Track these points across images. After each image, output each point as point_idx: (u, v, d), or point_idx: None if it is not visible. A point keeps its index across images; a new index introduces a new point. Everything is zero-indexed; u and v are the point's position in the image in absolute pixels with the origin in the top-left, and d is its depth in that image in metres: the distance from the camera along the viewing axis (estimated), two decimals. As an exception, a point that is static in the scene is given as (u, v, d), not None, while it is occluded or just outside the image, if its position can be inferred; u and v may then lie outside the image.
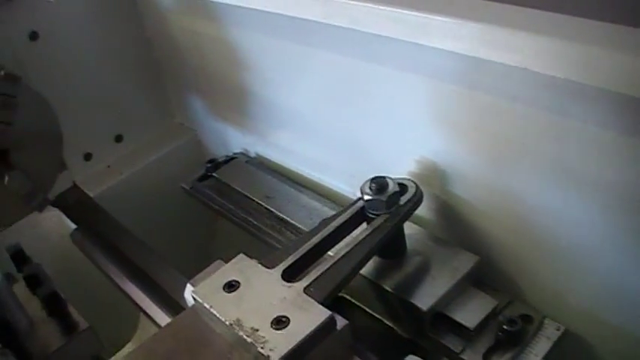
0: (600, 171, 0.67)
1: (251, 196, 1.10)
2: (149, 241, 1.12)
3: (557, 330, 0.79)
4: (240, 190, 1.12)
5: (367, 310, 0.86)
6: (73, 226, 1.20)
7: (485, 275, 0.84)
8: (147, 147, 1.36)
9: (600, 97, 0.60)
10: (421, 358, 0.83)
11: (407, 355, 0.83)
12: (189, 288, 0.86)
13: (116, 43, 1.25)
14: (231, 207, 1.11)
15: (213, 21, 1.07)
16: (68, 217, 1.22)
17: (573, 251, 0.75)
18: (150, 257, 1.08)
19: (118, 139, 1.33)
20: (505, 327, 0.77)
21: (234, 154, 1.25)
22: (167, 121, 1.41)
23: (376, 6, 0.73)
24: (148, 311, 1.00)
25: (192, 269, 1.13)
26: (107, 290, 1.11)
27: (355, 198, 0.97)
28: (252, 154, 1.23)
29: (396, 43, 0.74)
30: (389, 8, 0.72)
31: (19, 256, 0.56)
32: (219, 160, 1.21)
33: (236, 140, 1.26)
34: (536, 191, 0.75)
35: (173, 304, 0.97)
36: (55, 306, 0.51)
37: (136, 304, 1.02)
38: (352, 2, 0.75)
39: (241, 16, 1.00)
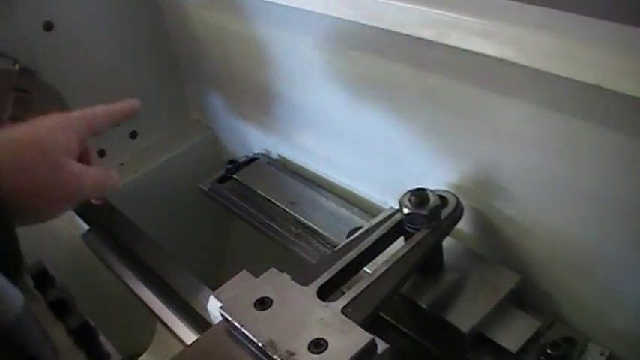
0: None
1: (275, 202, 1.05)
2: (161, 242, 1.08)
3: (602, 354, 0.75)
4: (262, 194, 1.07)
5: (401, 327, 0.82)
6: (85, 226, 1.16)
7: (525, 294, 0.80)
8: (162, 144, 1.31)
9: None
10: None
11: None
12: (213, 300, 0.82)
13: (133, 35, 1.21)
14: (253, 212, 1.06)
15: (239, 16, 1.02)
16: (80, 217, 1.17)
17: (618, 271, 0.72)
18: (166, 261, 1.04)
19: (133, 135, 1.28)
20: (548, 351, 0.73)
21: (255, 154, 1.20)
22: (183, 118, 1.36)
23: (415, 6, 0.68)
24: (164, 319, 0.96)
25: (206, 272, 1.09)
26: (121, 295, 1.07)
27: (386, 207, 0.93)
28: (274, 156, 1.19)
29: (434, 47, 0.69)
30: (432, 10, 0.67)
31: (42, 277, 0.51)
32: (240, 160, 1.16)
33: (257, 140, 1.21)
34: (579, 207, 0.71)
35: (192, 313, 0.93)
36: (86, 337, 0.46)
37: (152, 312, 0.98)
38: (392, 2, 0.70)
39: (268, 11, 0.96)
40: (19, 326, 0.44)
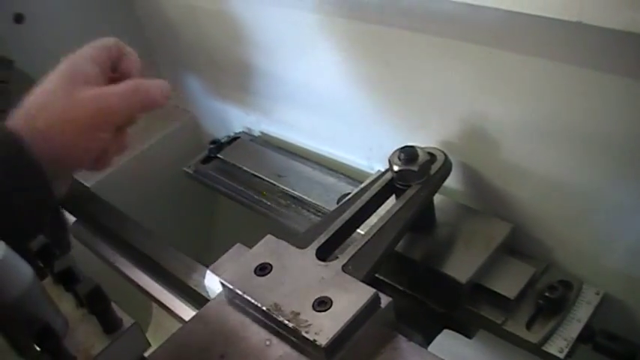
0: (631, 125, 0.64)
1: (261, 176, 1.05)
2: (149, 228, 1.08)
3: (597, 294, 0.77)
4: (248, 170, 1.07)
5: (397, 286, 0.82)
6: (72, 218, 1.15)
7: (518, 242, 0.81)
8: (142, 132, 1.30)
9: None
10: (458, 331, 0.81)
11: (442, 330, 0.81)
12: (210, 275, 0.82)
13: (104, 23, 1.19)
14: (240, 189, 1.06)
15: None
16: (65, 209, 1.16)
17: (609, 212, 0.73)
18: (157, 244, 1.04)
19: (112, 125, 1.27)
20: (546, 294, 0.75)
21: (236, 133, 1.20)
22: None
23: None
24: (161, 300, 0.96)
25: (196, 254, 1.09)
26: (114, 284, 1.06)
27: (373, 172, 0.94)
28: (256, 133, 1.19)
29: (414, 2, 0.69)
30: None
31: (46, 253, 0.51)
32: (222, 140, 1.16)
33: (237, 119, 1.21)
34: (567, 151, 0.72)
35: (189, 292, 0.93)
36: (97, 303, 0.46)
37: (148, 294, 0.98)
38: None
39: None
40: (29, 297, 0.44)
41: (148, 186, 1.29)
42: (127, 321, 0.48)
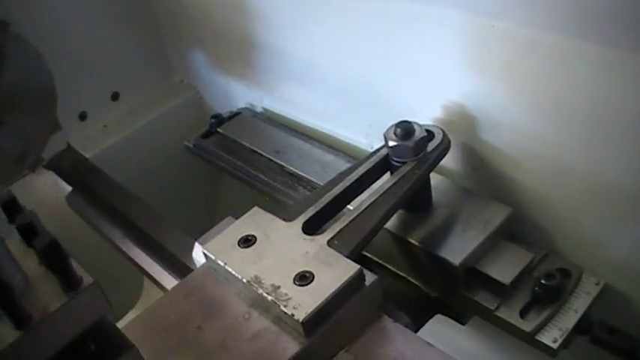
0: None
1: (260, 152, 1.03)
2: (151, 202, 1.06)
3: (597, 284, 0.74)
4: (247, 145, 1.05)
5: (392, 268, 0.80)
6: (69, 188, 1.14)
7: (518, 228, 0.78)
8: (145, 105, 1.28)
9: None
10: (450, 316, 0.79)
11: (434, 315, 0.78)
12: (197, 247, 0.80)
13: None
14: (238, 163, 1.04)
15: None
16: (63, 179, 1.15)
17: (613, 199, 0.70)
18: (152, 218, 1.02)
19: (115, 97, 1.26)
20: (543, 281, 0.71)
21: (239, 109, 1.18)
22: (167, 79, 1.33)
23: None
24: (152, 274, 0.94)
25: (196, 231, 1.08)
26: (106, 255, 1.05)
27: (372, 150, 0.91)
28: (259, 109, 1.16)
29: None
30: None
31: (12, 206, 0.49)
32: (224, 115, 1.13)
33: (241, 95, 1.19)
34: (574, 132, 0.69)
35: (180, 266, 0.91)
36: (54, 258, 0.44)
37: (140, 267, 0.96)
38: None
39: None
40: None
41: (149, 160, 1.27)
42: (87, 280, 0.45)
